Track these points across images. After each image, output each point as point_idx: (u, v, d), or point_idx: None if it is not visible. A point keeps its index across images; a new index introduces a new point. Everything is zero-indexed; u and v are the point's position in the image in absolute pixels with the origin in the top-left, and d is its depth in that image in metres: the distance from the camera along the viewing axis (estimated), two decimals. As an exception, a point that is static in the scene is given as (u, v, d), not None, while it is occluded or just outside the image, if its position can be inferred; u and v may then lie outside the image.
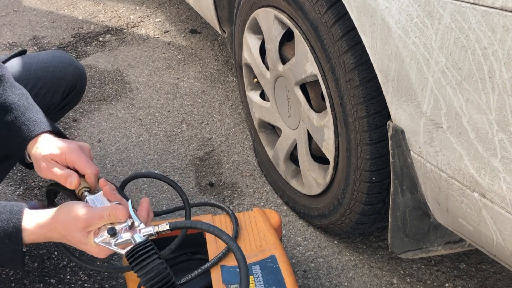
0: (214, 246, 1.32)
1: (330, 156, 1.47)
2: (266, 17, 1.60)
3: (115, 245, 1.03)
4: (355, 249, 1.68)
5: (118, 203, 1.10)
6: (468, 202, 1.04)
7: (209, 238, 1.35)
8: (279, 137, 1.78)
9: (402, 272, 1.60)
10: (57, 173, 1.18)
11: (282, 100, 1.66)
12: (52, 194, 1.33)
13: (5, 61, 1.49)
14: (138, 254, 1.00)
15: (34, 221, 1.08)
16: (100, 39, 3.07)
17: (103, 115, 2.39)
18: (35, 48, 3.00)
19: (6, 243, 1.05)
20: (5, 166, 1.54)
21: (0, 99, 1.26)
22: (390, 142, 1.19)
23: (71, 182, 1.16)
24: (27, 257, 1.67)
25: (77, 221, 1.04)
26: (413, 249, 1.32)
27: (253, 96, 1.88)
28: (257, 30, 1.72)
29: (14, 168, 2.02)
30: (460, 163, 1.01)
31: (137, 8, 3.43)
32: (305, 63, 1.44)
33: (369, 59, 1.16)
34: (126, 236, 1.04)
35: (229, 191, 1.94)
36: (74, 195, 1.20)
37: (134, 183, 1.96)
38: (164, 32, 3.12)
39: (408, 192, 1.23)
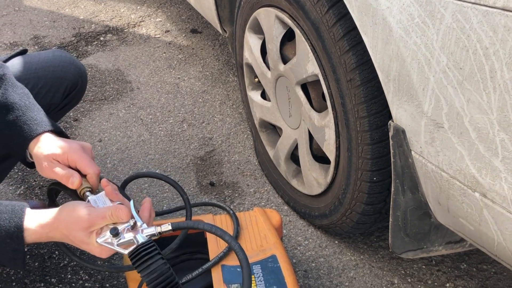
0: (215, 246, 1.32)
1: (331, 156, 1.47)
2: (267, 16, 1.60)
3: (118, 245, 1.04)
4: (356, 249, 1.68)
5: (120, 203, 1.11)
6: (469, 202, 1.04)
7: (210, 237, 1.35)
8: (280, 136, 1.78)
9: (403, 272, 1.60)
10: (59, 173, 1.18)
11: (283, 100, 1.66)
12: (53, 193, 1.34)
13: (6, 61, 1.49)
14: (141, 255, 1.00)
15: (36, 220, 1.08)
16: (101, 38, 3.07)
17: (104, 115, 2.39)
18: (36, 47, 3.01)
19: (8, 242, 1.05)
20: (6, 166, 1.54)
21: (2, 99, 1.26)
22: (391, 142, 1.19)
23: (73, 182, 1.17)
24: (28, 256, 1.67)
25: (79, 221, 1.04)
26: (414, 249, 1.32)
27: (254, 95, 1.88)
28: (258, 29, 1.72)
29: (15, 167, 2.02)
30: (461, 163, 1.01)
31: (138, 7, 3.43)
32: (306, 63, 1.44)
33: (370, 59, 1.16)
34: (128, 236, 1.04)
35: (230, 191, 1.94)
36: (76, 195, 1.20)
37: (135, 182, 1.96)
38: (165, 32, 3.12)
39: (409, 192, 1.23)
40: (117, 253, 1.07)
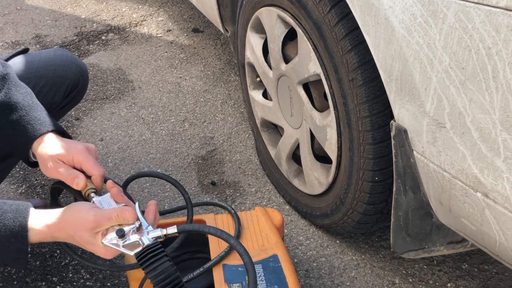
0: (216, 245, 1.32)
1: (333, 156, 1.47)
2: (269, 16, 1.59)
3: (123, 246, 1.05)
4: (357, 249, 1.68)
5: (125, 205, 1.12)
6: (471, 202, 1.04)
7: (211, 237, 1.35)
8: (282, 136, 1.78)
9: (404, 272, 1.60)
10: (64, 174, 1.19)
11: (285, 99, 1.66)
12: (56, 193, 1.34)
13: (7, 59, 1.49)
14: (148, 256, 1.02)
15: (42, 220, 1.08)
16: (103, 37, 3.08)
17: (105, 114, 2.39)
18: (38, 46, 3.01)
19: (12, 241, 1.06)
20: (8, 164, 1.54)
21: (5, 98, 1.27)
22: (393, 142, 1.19)
23: (77, 183, 1.18)
24: (29, 255, 1.67)
25: (85, 221, 1.05)
26: (416, 249, 1.32)
27: (256, 95, 1.88)
28: (260, 29, 1.72)
29: (17, 166, 2.03)
30: (463, 163, 1.01)
31: (140, 7, 3.43)
32: (308, 63, 1.44)
33: (372, 59, 1.16)
34: (134, 238, 1.05)
35: (231, 190, 1.94)
36: (80, 195, 1.21)
37: (136, 182, 1.96)
38: (167, 31, 3.12)
39: (411, 191, 1.23)
40: (121, 254, 1.07)
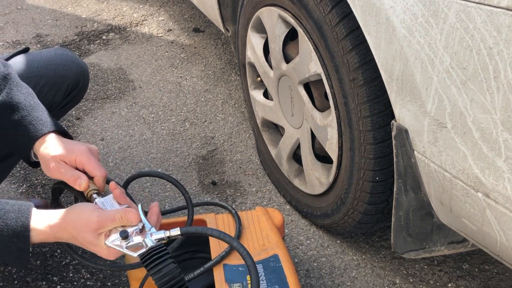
0: (216, 245, 1.32)
1: (334, 156, 1.47)
2: (270, 16, 1.59)
3: (126, 247, 1.05)
4: (358, 249, 1.68)
5: (128, 207, 1.13)
6: (472, 202, 1.04)
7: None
8: (282, 136, 1.77)
9: (405, 272, 1.60)
10: (67, 174, 1.20)
11: (286, 99, 1.66)
12: (57, 193, 1.35)
13: (8, 59, 1.49)
14: (153, 258, 1.02)
15: (44, 221, 1.09)
16: (104, 37, 3.08)
17: (106, 114, 2.39)
18: (39, 46, 3.01)
19: (14, 241, 1.06)
20: (8, 164, 1.54)
21: (7, 98, 1.27)
22: (394, 142, 1.19)
23: (80, 184, 1.18)
24: (29, 255, 1.67)
25: (89, 222, 1.06)
26: (416, 249, 1.32)
27: (257, 95, 1.88)
28: (260, 29, 1.72)
29: (17, 166, 2.03)
30: (464, 163, 1.01)
31: (141, 6, 3.43)
32: (309, 62, 1.43)
33: (373, 58, 1.16)
34: (137, 239, 1.06)
35: (232, 190, 1.94)
36: (82, 196, 1.22)
37: (137, 181, 1.96)
38: (168, 31, 3.12)
39: (412, 191, 1.22)
40: (123, 255, 1.08)
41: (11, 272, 1.62)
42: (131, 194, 1.91)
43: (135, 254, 1.05)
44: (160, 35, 3.08)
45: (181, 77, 2.65)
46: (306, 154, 1.62)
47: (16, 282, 1.59)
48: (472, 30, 0.89)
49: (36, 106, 1.29)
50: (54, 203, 1.34)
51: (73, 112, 2.39)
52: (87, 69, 1.64)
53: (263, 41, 1.73)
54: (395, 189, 1.24)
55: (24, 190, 1.95)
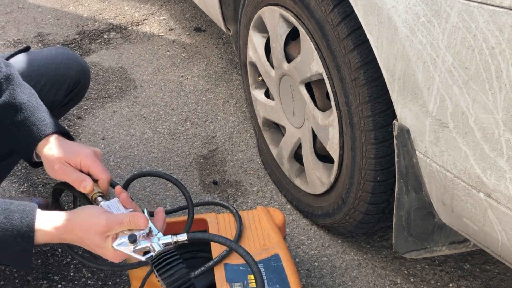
0: (217, 245, 1.32)
1: (335, 155, 1.47)
2: (271, 15, 1.59)
3: (134, 251, 1.07)
4: (359, 249, 1.68)
5: (133, 211, 1.14)
6: (474, 202, 1.04)
7: (213, 236, 1.35)
8: (284, 135, 1.77)
9: (406, 272, 1.59)
10: (71, 176, 1.21)
11: (287, 99, 1.66)
12: (58, 193, 1.36)
13: (9, 58, 1.49)
14: (166, 262, 1.04)
15: (50, 222, 1.09)
16: (105, 36, 3.08)
17: (107, 113, 2.39)
18: (40, 45, 3.01)
19: (18, 241, 1.06)
20: (9, 163, 1.55)
21: (10, 99, 1.27)
22: (395, 142, 1.19)
23: (85, 186, 1.20)
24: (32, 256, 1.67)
25: (97, 225, 1.07)
26: (417, 249, 1.32)
27: (258, 94, 1.88)
28: (262, 28, 1.72)
29: (18, 164, 2.03)
30: (466, 163, 1.01)
31: (142, 6, 3.43)
32: (311, 62, 1.43)
33: (375, 58, 1.16)
34: (144, 243, 1.08)
35: (233, 190, 1.94)
36: (84, 198, 1.23)
37: (138, 181, 1.96)
38: (169, 30, 3.11)
39: (413, 191, 1.22)
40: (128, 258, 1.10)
41: (12, 271, 1.62)
42: (132, 193, 1.91)
43: (143, 258, 1.07)
44: (162, 34, 3.08)
45: (182, 76, 2.65)
46: (307, 153, 1.62)
47: (17, 281, 1.59)
48: (474, 29, 0.89)
49: (39, 107, 1.29)
50: (55, 203, 1.35)
51: (74, 111, 2.39)
52: (88, 68, 1.64)
53: (264, 40, 1.73)
54: (396, 189, 1.24)
55: (25, 189, 1.95)
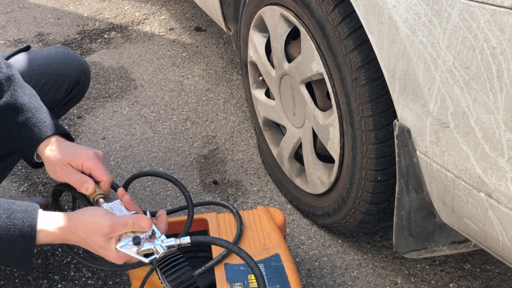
0: (218, 244, 1.32)
1: (335, 155, 1.47)
2: (272, 15, 1.59)
3: (137, 253, 1.08)
4: (359, 249, 1.67)
5: (135, 213, 1.16)
6: (474, 202, 1.03)
7: (213, 235, 1.35)
8: (284, 135, 1.77)
9: (406, 271, 1.59)
10: (73, 178, 1.22)
11: (288, 99, 1.66)
12: (58, 194, 1.36)
13: (9, 57, 1.49)
14: (172, 264, 1.04)
15: (53, 222, 1.10)
16: (105, 36, 3.07)
17: (107, 112, 2.39)
18: (40, 44, 3.01)
19: (20, 241, 1.06)
20: (9, 162, 1.55)
21: (11, 100, 1.27)
22: (396, 141, 1.19)
23: (87, 188, 1.20)
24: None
25: (101, 226, 1.07)
26: (418, 249, 1.32)
27: (258, 94, 1.88)
28: (262, 28, 1.71)
29: (18, 164, 2.03)
30: (466, 163, 1.01)
31: (142, 5, 3.43)
32: (311, 62, 1.43)
33: (375, 58, 1.15)
34: (147, 245, 1.09)
35: (233, 189, 1.94)
36: (85, 199, 1.24)
37: (138, 180, 1.96)
38: (169, 30, 3.11)
39: (414, 191, 1.22)
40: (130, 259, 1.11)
41: (12, 270, 1.62)
42: (132, 193, 1.91)
43: (146, 260, 1.07)
44: (162, 34, 3.08)
45: (182, 76, 2.65)
46: (308, 153, 1.62)
47: (17, 280, 1.59)
48: (475, 29, 0.89)
49: (40, 108, 1.30)
50: (54, 204, 1.36)
51: (75, 111, 2.39)
52: (88, 67, 1.64)
53: (265, 40, 1.73)
54: (397, 188, 1.24)
55: (25, 189, 1.95)
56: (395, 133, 1.18)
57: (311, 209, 1.71)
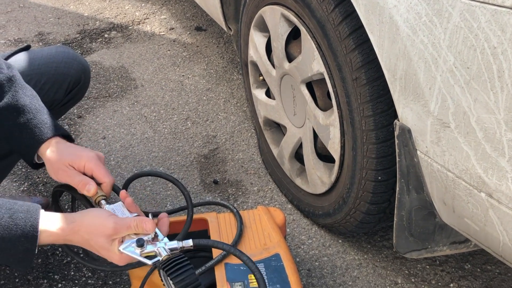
0: (218, 244, 1.32)
1: (336, 155, 1.47)
2: (272, 15, 1.59)
3: (140, 255, 1.09)
4: (360, 248, 1.67)
5: (137, 215, 1.16)
6: (475, 202, 1.03)
7: (213, 235, 1.35)
8: (284, 135, 1.77)
9: (407, 271, 1.59)
10: (75, 179, 1.22)
11: (288, 98, 1.66)
12: (58, 195, 1.37)
13: (9, 56, 1.49)
14: (178, 267, 1.05)
15: (55, 223, 1.10)
16: (106, 35, 3.07)
17: (108, 112, 2.39)
18: (41, 44, 3.01)
19: (22, 241, 1.06)
20: (9, 162, 1.55)
21: (13, 101, 1.28)
22: (396, 141, 1.19)
23: (89, 189, 1.21)
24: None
25: (104, 227, 1.08)
26: (418, 249, 1.32)
27: (259, 94, 1.88)
28: (263, 27, 1.71)
29: (18, 164, 2.03)
30: (467, 162, 1.01)
31: (143, 5, 3.43)
32: (312, 61, 1.43)
33: (376, 58, 1.15)
34: (150, 247, 1.09)
35: (233, 189, 1.94)
36: (86, 201, 1.25)
37: (138, 180, 1.96)
38: (170, 29, 3.11)
39: (414, 191, 1.22)
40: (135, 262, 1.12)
41: (12, 270, 1.62)
42: (132, 193, 1.91)
43: (150, 262, 1.08)
44: (162, 33, 3.08)
45: (183, 75, 2.65)
46: (308, 153, 1.62)
47: (17, 280, 1.59)
48: (476, 29, 0.89)
49: (41, 109, 1.30)
50: (54, 205, 1.36)
51: (75, 110, 2.39)
52: (88, 66, 1.64)
53: (265, 40, 1.73)
54: (397, 188, 1.24)
55: (25, 188, 1.95)
56: (396, 133, 1.18)
57: (311, 209, 1.71)
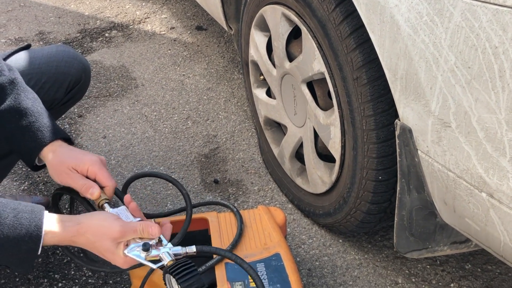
0: (218, 244, 1.32)
1: (336, 155, 1.47)
2: (273, 14, 1.59)
3: (145, 259, 1.10)
4: (360, 248, 1.67)
5: (140, 220, 1.18)
6: (476, 202, 1.03)
7: (214, 235, 1.34)
8: (285, 135, 1.77)
9: (407, 271, 1.59)
10: (79, 183, 1.23)
11: (289, 98, 1.66)
12: (58, 198, 1.38)
13: (9, 55, 1.49)
14: (186, 272, 1.06)
15: (61, 224, 1.10)
16: (106, 35, 3.07)
17: (108, 111, 2.39)
18: (41, 43, 3.01)
19: (26, 241, 1.06)
20: (9, 161, 1.55)
21: (15, 103, 1.28)
22: (397, 141, 1.18)
23: (92, 193, 1.22)
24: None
25: (111, 231, 1.09)
26: (419, 248, 1.32)
27: (259, 93, 1.87)
28: (264, 27, 1.71)
29: (19, 163, 2.02)
30: (468, 162, 1.01)
31: (143, 4, 3.43)
32: (312, 61, 1.43)
33: (377, 57, 1.15)
34: (154, 252, 1.11)
35: (234, 189, 1.93)
36: (88, 204, 1.26)
37: (138, 180, 1.96)
38: (170, 29, 3.11)
39: (415, 191, 1.22)
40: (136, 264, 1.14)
41: (12, 269, 1.62)
42: (133, 193, 1.91)
43: (155, 266, 1.09)
44: (163, 33, 3.08)
45: (183, 75, 2.65)
46: (309, 153, 1.62)
47: (17, 279, 1.59)
48: (477, 29, 0.89)
49: (43, 112, 1.31)
50: (54, 207, 1.36)
51: (75, 110, 2.39)
52: (88, 66, 1.64)
53: (266, 39, 1.73)
54: (398, 188, 1.24)
55: (26, 188, 1.95)
56: (397, 132, 1.18)
57: (312, 208, 1.71)
